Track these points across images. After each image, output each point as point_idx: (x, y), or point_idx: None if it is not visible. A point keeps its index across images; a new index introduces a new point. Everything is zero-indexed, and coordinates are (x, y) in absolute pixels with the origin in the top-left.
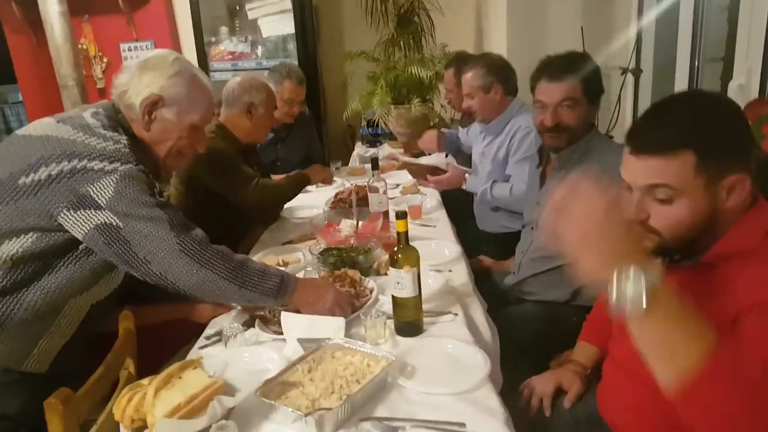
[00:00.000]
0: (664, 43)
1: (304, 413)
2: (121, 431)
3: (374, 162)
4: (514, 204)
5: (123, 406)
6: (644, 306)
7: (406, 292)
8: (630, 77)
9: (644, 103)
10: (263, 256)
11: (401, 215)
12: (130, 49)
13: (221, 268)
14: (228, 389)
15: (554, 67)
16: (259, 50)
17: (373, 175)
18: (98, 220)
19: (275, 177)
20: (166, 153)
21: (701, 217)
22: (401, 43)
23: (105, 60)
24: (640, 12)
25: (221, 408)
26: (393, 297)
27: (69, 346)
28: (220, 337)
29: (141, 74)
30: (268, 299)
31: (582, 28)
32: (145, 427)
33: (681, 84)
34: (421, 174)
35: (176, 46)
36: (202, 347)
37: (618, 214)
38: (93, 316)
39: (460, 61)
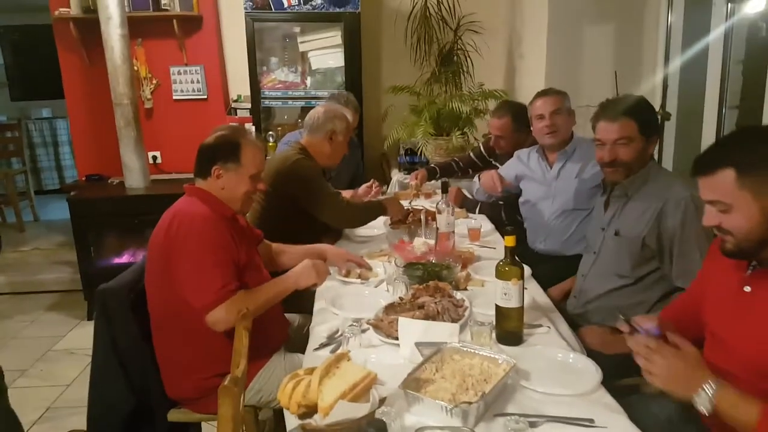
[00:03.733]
0: (688, 88)
1: (451, 406)
2: (286, 417)
3: (444, 185)
4: None
5: (288, 394)
6: (711, 409)
7: (513, 302)
8: None
9: (668, 143)
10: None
11: (511, 231)
12: (179, 73)
13: None
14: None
15: (611, 109)
16: (309, 81)
17: (442, 198)
18: None
19: None
20: None
21: (758, 222)
22: (443, 79)
23: (155, 82)
24: (666, 59)
25: (378, 396)
26: (498, 307)
27: None
28: (329, 341)
29: None
30: None
31: (615, 73)
32: (311, 412)
33: (709, 128)
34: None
35: (223, 72)
36: (315, 349)
37: (682, 361)
38: None
39: (514, 110)
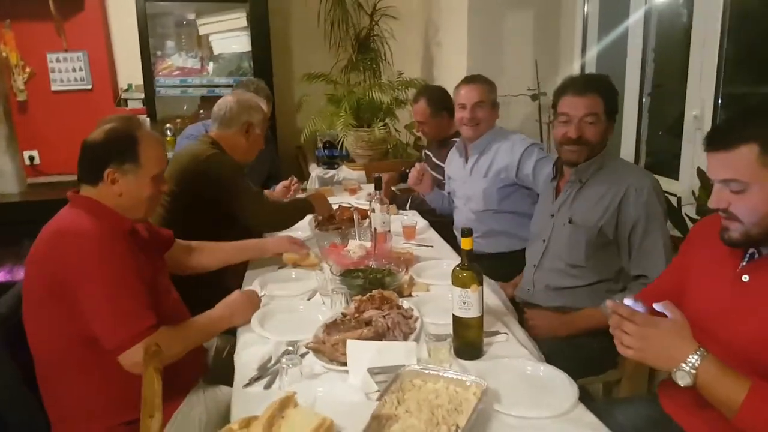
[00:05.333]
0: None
1: None
2: None
3: (377, 182)
4: None
5: None
6: (692, 383)
7: (473, 311)
8: None
9: None
10: (263, 285)
11: (467, 233)
12: (58, 60)
13: None
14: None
15: (580, 82)
16: (210, 67)
17: (375, 195)
18: None
19: None
20: None
21: None
22: (361, 67)
23: (28, 70)
24: (583, 48)
25: None
26: (456, 318)
27: None
28: (260, 374)
29: None
30: None
31: (536, 62)
32: None
33: (629, 115)
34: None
35: (110, 59)
36: (246, 386)
37: (657, 329)
38: None
39: (429, 94)
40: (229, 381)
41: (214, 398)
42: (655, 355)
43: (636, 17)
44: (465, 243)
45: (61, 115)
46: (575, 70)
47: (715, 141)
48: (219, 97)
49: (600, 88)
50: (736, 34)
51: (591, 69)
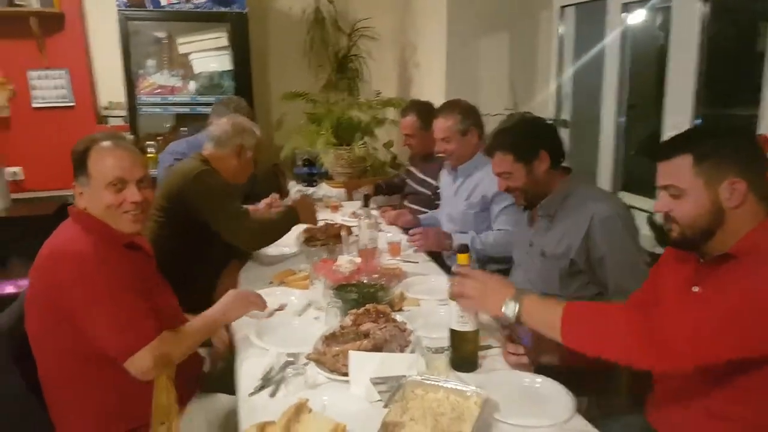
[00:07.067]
0: (582, 96)
1: None
2: None
3: (365, 199)
4: (492, 249)
5: None
6: (517, 316)
7: (470, 325)
8: None
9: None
10: None
11: (464, 249)
12: (39, 78)
13: None
14: None
15: (489, 146)
16: (191, 85)
17: (362, 211)
18: None
19: None
20: None
21: (707, 210)
22: (341, 86)
23: (10, 87)
24: (559, 69)
25: None
26: (453, 331)
27: None
28: (264, 383)
29: None
30: None
31: (512, 82)
32: None
33: (607, 134)
34: None
35: (90, 77)
36: (251, 394)
37: (486, 285)
38: None
39: (419, 108)
40: (225, 390)
41: (214, 407)
42: (489, 301)
43: (612, 38)
44: (461, 259)
45: (44, 131)
46: (551, 89)
47: (659, 151)
48: (199, 114)
49: (504, 143)
50: (710, 56)
51: (567, 89)
